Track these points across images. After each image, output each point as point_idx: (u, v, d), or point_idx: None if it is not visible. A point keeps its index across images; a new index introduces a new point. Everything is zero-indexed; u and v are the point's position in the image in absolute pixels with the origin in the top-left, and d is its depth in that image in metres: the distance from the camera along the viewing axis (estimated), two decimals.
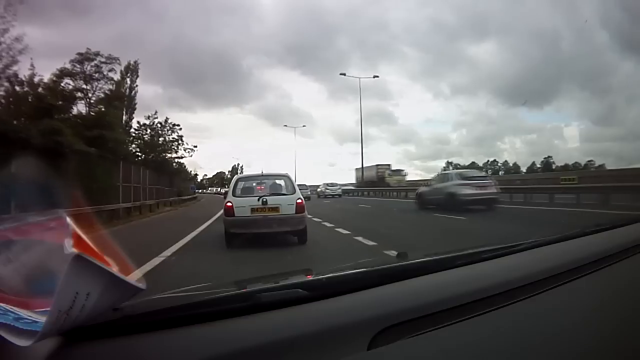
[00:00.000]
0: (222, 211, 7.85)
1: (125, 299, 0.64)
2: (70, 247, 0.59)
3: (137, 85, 30.92)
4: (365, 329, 0.70)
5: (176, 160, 37.06)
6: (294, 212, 6.78)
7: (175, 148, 35.77)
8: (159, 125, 34.41)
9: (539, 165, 54.34)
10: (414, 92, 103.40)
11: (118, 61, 25.21)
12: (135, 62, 30.87)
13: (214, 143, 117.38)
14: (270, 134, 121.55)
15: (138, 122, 32.65)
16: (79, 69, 24.16)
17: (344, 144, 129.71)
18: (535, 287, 0.92)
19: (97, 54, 24.68)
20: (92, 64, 24.71)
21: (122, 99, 27.19)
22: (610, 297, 0.98)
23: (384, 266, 1.13)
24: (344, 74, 40.01)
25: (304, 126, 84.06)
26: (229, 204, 6.79)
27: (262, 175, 7.85)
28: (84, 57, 24.31)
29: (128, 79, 30.42)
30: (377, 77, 45.07)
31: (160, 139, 34.42)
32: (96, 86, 24.92)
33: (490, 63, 73.00)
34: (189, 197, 38.46)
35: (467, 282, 0.90)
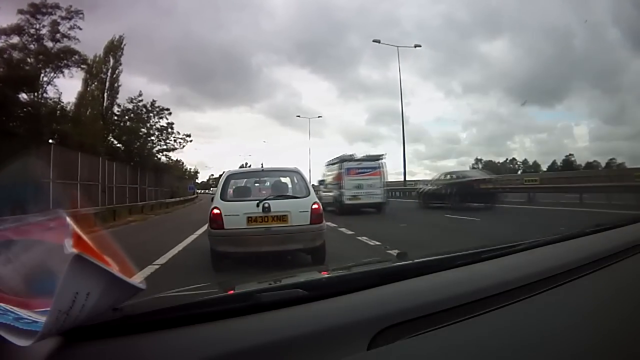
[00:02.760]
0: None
1: (125, 299, 0.64)
2: (70, 247, 0.59)
3: (120, 65, 25.40)
4: (365, 329, 0.70)
5: (165, 153, 29.44)
6: (309, 221, 4.90)
7: (164, 138, 28.35)
8: (143, 109, 27.01)
9: (559, 164, 54.01)
10: (425, 91, 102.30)
11: (81, 15, 18.91)
12: (120, 37, 25.36)
13: (223, 142, 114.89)
14: (280, 133, 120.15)
15: (119, 105, 26.18)
16: (32, 25, 17.75)
17: (354, 144, 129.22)
18: (534, 287, 0.92)
19: (55, 6, 18.31)
20: (49, 19, 18.31)
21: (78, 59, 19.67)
22: (610, 297, 0.98)
23: (384, 266, 1.13)
24: (378, 41, 32.08)
25: (319, 117, 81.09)
26: (215, 210, 4.88)
27: (263, 171, 5.97)
28: (37, 10, 17.90)
29: (111, 58, 25.08)
30: (419, 46, 35.73)
31: (145, 126, 27.07)
32: (52, 48, 18.58)
33: (502, 61, 72.63)
34: (182, 198, 31.71)
35: (467, 282, 0.90)
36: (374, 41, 32.02)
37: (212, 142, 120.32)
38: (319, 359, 0.65)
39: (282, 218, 4.88)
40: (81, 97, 23.18)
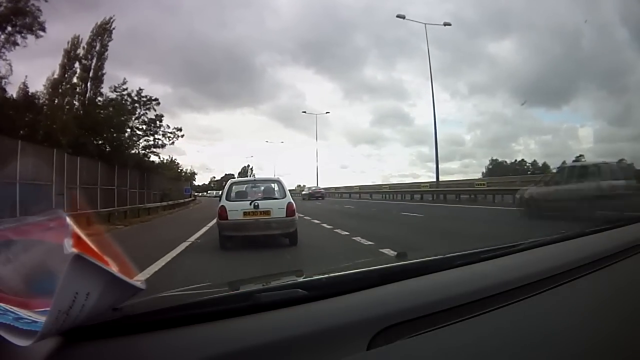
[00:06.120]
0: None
1: (125, 298, 0.64)
2: (70, 247, 0.59)
3: (106, 51, 22.34)
4: (365, 329, 0.70)
5: (153, 150, 24.99)
6: (285, 215, 7.07)
7: (152, 132, 24.07)
8: (127, 99, 23.02)
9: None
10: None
11: None
12: (110, 19, 22.29)
13: (225, 144, 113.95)
14: (283, 135, 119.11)
15: (101, 93, 22.55)
16: None
17: (358, 146, 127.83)
18: (534, 287, 0.92)
19: None
20: None
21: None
22: (610, 297, 0.98)
23: (384, 266, 1.13)
24: (403, 17, 28.24)
25: (327, 113, 79.40)
26: (222, 207, 7.15)
27: (255, 180, 8.64)
28: None
29: (98, 43, 22.06)
30: (449, 24, 30.29)
31: (126, 117, 22.71)
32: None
33: (509, 61, 70.54)
34: (171, 202, 26.69)
35: (467, 282, 0.90)
36: (397, 16, 28.58)
37: (214, 144, 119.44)
38: (318, 359, 0.65)
39: (267, 212, 7.08)
40: (54, 84, 20.31)
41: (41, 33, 17.36)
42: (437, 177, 27.78)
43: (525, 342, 0.74)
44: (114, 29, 22.70)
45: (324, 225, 10.73)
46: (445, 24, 29.83)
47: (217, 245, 7.17)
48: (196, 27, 70.84)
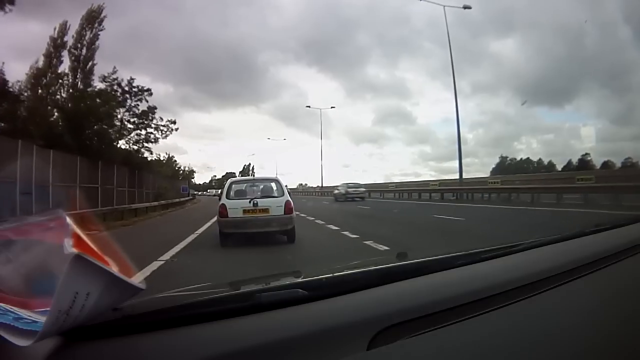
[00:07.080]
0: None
1: (125, 299, 0.64)
2: (70, 247, 0.59)
3: (97, 40, 20.93)
4: (365, 329, 0.70)
5: (145, 145, 23.09)
6: (283, 213, 7.30)
7: (144, 125, 22.44)
8: (117, 89, 21.47)
9: (575, 163, 53.25)
10: (433, 91, 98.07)
11: None
12: (99, 7, 20.94)
13: (226, 143, 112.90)
14: (285, 134, 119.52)
15: (90, 85, 20.95)
16: None
17: (360, 145, 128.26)
18: (534, 287, 0.92)
19: None
20: None
21: None
22: (610, 297, 0.98)
23: (384, 266, 1.13)
24: None
25: (332, 107, 78.75)
26: (222, 205, 7.36)
27: (254, 179, 9.18)
28: None
29: (88, 32, 20.68)
30: (469, 7, 27.07)
31: (113, 108, 20.63)
32: None
33: (512, 60, 70.13)
34: (164, 202, 24.09)
35: (467, 282, 0.90)
36: None
37: (216, 143, 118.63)
38: (318, 359, 0.65)
39: (265, 210, 7.28)
40: (37, 74, 19.19)
41: (10, 7, 15.45)
42: (461, 175, 25.27)
43: (525, 342, 0.74)
44: (105, 17, 21.27)
45: (345, 233, 8.40)
46: (465, 7, 26.99)
47: (205, 262, 5.87)
48: (198, 25, 70.74)
